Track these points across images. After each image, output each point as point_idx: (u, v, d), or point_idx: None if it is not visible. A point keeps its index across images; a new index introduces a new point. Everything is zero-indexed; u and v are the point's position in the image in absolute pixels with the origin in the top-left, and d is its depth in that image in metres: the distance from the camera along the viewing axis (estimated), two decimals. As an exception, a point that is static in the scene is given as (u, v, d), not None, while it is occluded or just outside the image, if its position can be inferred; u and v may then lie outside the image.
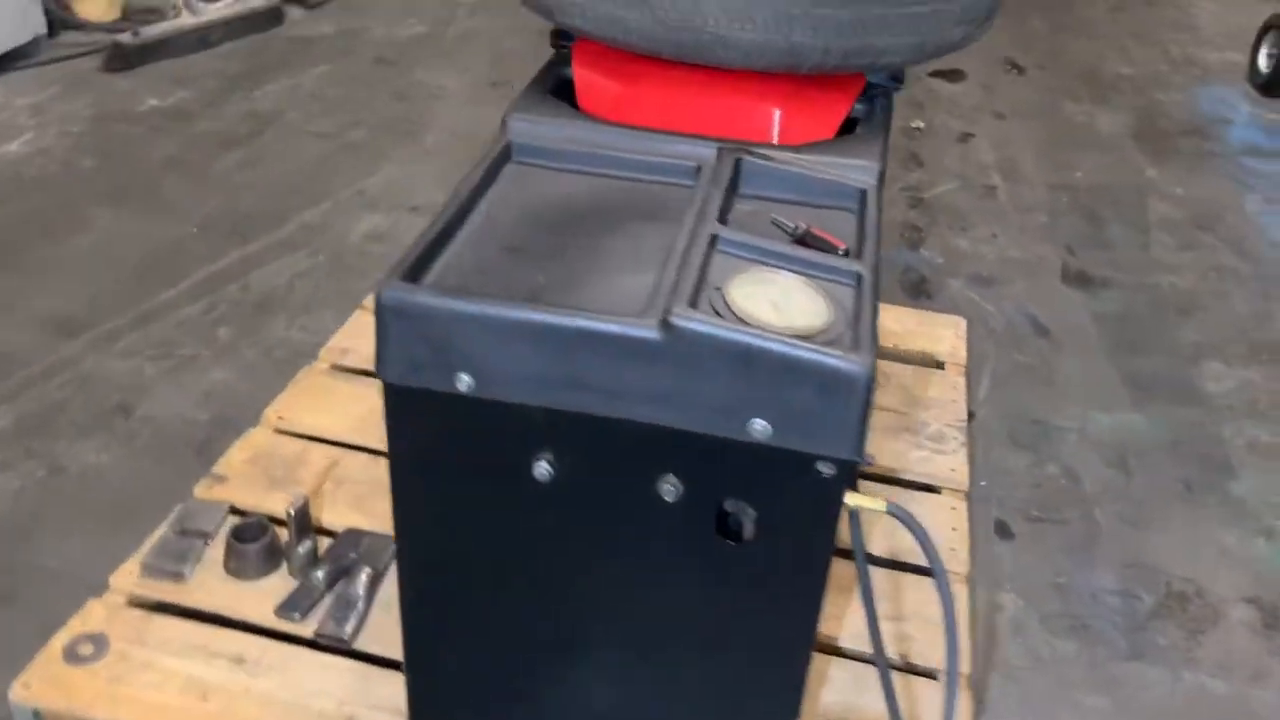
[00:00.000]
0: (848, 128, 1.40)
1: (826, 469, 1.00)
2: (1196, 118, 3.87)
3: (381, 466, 1.81)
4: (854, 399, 0.95)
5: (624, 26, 1.32)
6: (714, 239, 1.09)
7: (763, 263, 1.08)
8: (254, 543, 1.57)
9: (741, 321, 0.98)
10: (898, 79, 1.47)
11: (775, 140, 1.34)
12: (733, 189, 1.21)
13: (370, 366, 1.98)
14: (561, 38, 1.52)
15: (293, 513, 1.54)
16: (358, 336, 2.12)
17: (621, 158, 1.29)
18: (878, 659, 1.12)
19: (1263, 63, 4.09)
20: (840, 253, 1.13)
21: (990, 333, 2.54)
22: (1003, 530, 1.97)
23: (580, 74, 1.44)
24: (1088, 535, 1.98)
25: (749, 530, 1.06)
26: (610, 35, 1.34)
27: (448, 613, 1.21)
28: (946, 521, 1.78)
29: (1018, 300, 2.69)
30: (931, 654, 1.54)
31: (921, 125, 3.67)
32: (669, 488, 1.04)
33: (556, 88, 1.44)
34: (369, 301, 2.21)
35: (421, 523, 1.14)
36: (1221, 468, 2.16)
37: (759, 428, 0.98)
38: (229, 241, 2.68)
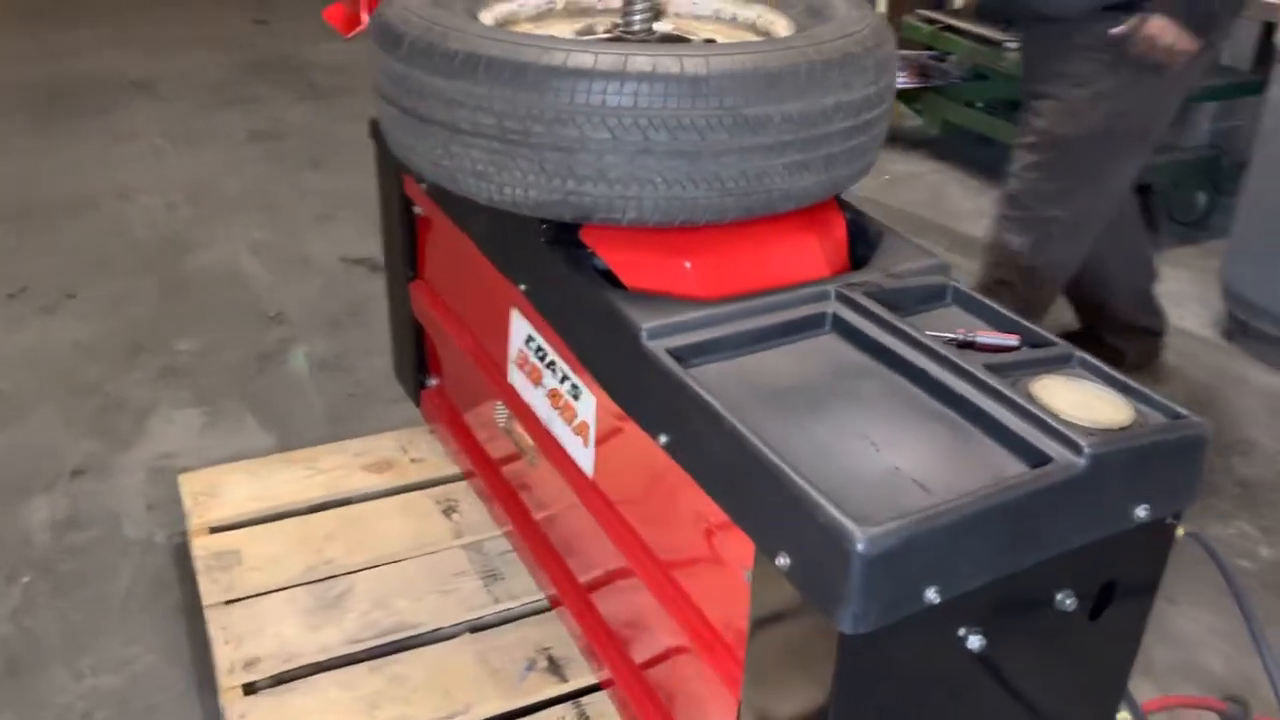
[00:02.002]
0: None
1: (1171, 520, 1.17)
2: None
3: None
4: (1202, 455, 1.13)
5: (691, 206, 1.32)
6: (991, 368, 1.17)
7: (1026, 376, 1.19)
8: None
9: (1107, 431, 1.09)
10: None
11: (845, 269, 1.44)
12: (910, 319, 1.28)
13: (295, 664, 1.67)
14: (561, 232, 1.42)
15: None
16: (248, 641, 1.72)
17: (763, 328, 1.29)
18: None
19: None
20: (1018, 346, 1.28)
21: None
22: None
23: (620, 259, 1.38)
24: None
25: (1101, 600, 1.18)
26: (673, 219, 1.33)
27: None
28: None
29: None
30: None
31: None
32: (1069, 601, 1.12)
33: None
34: (210, 597, 1.80)
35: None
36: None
37: (1141, 513, 1.11)
38: None
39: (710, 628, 1.30)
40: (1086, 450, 1.05)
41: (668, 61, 1.25)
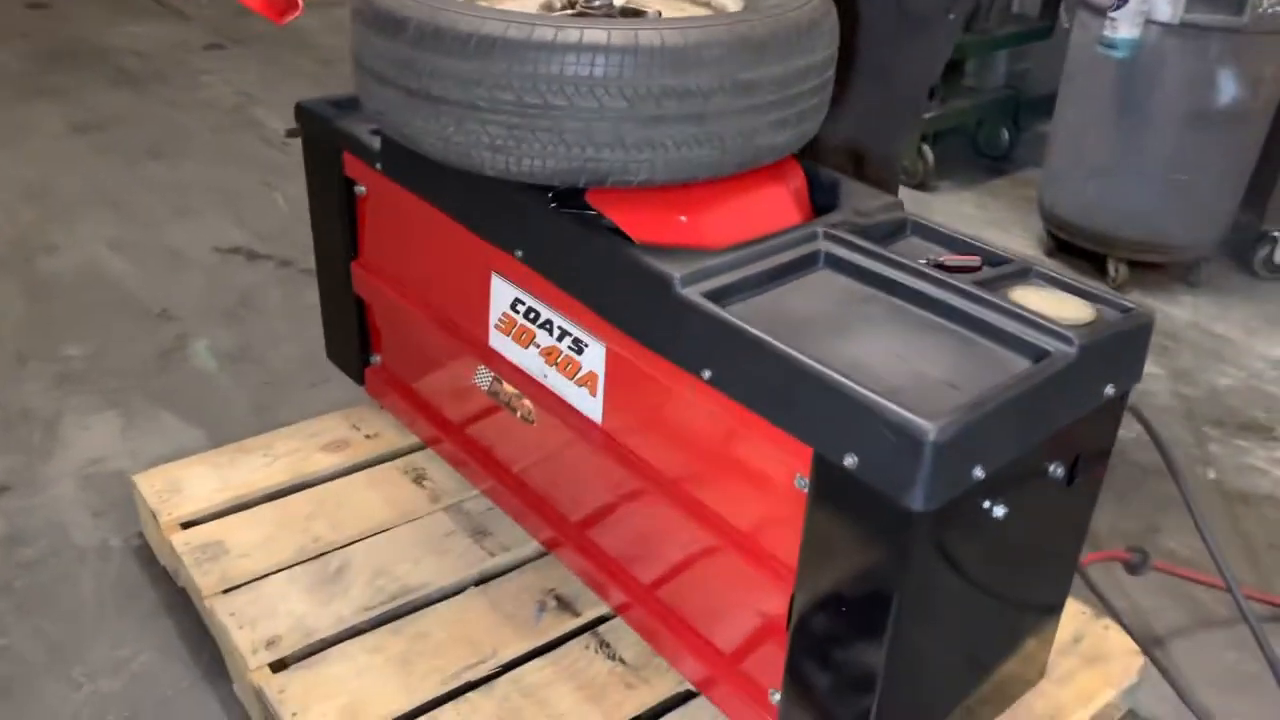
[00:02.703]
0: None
1: (1126, 395, 1.42)
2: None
3: None
4: (1148, 339, 1.39)
5: (696, 165, 1.46)
6: (980, 284, 1.38)
7: (1001, 288, 1.41)
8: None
9: (1081, 326, 1.32)
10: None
11: (810, 215, 1.62)
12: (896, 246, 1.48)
13: (317, 637, 1.75)
14: (568, 198, 1.53)
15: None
16: (262, 623, 1.75)
17: (771, 269, 1.45)
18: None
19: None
20: (979, 266, 1.50)
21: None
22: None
23: (629, 218, 1.50)
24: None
25: (1074, 468, 1.43)
26: (681, 177, 1.47)
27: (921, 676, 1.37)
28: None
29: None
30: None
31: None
32: (1059, 470, 1.36)
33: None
34: (208, 589, 1.82)
35: (917, 613, 1.27)
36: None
37: (1109, 390, 1.36)
38: None
39: (749, 535, 1.47)
40: (1077, 342, 1.28)
41: (672, 35, 1.38)
